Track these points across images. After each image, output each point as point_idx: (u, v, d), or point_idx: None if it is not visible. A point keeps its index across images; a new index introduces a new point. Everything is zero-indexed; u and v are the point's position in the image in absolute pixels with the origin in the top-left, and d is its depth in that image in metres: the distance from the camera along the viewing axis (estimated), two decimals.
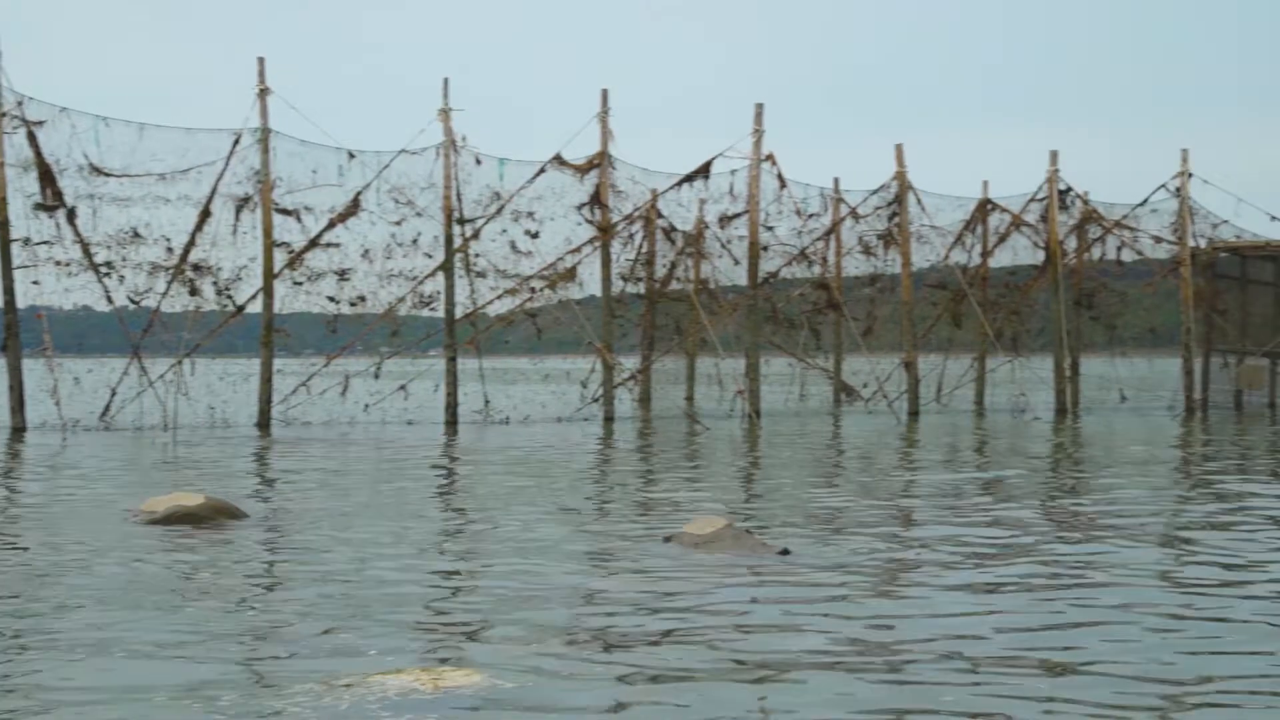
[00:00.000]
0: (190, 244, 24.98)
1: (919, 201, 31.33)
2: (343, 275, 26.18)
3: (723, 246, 29.49)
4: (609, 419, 27.38)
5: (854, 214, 31.37)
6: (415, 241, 26.65)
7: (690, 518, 11.39)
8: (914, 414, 29.76)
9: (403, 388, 26.98)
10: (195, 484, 14.63)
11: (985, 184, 32.66)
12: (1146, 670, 6.67)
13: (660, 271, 29.94)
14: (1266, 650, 7.16)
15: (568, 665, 6.71)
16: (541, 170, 27.23)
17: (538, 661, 6.74)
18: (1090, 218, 32.97)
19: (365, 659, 6.76)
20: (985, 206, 32.66)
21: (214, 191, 24.93)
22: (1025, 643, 7.28)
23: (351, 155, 25.82)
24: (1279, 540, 10.95)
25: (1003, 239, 32.90)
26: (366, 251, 26.35)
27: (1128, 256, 33.31)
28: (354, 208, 25.90)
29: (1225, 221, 33.61)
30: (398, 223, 26.42)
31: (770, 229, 29.27)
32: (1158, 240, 33.26)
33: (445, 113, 26.30)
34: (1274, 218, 33.28)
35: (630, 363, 30.05)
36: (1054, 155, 32.21)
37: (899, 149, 31.08)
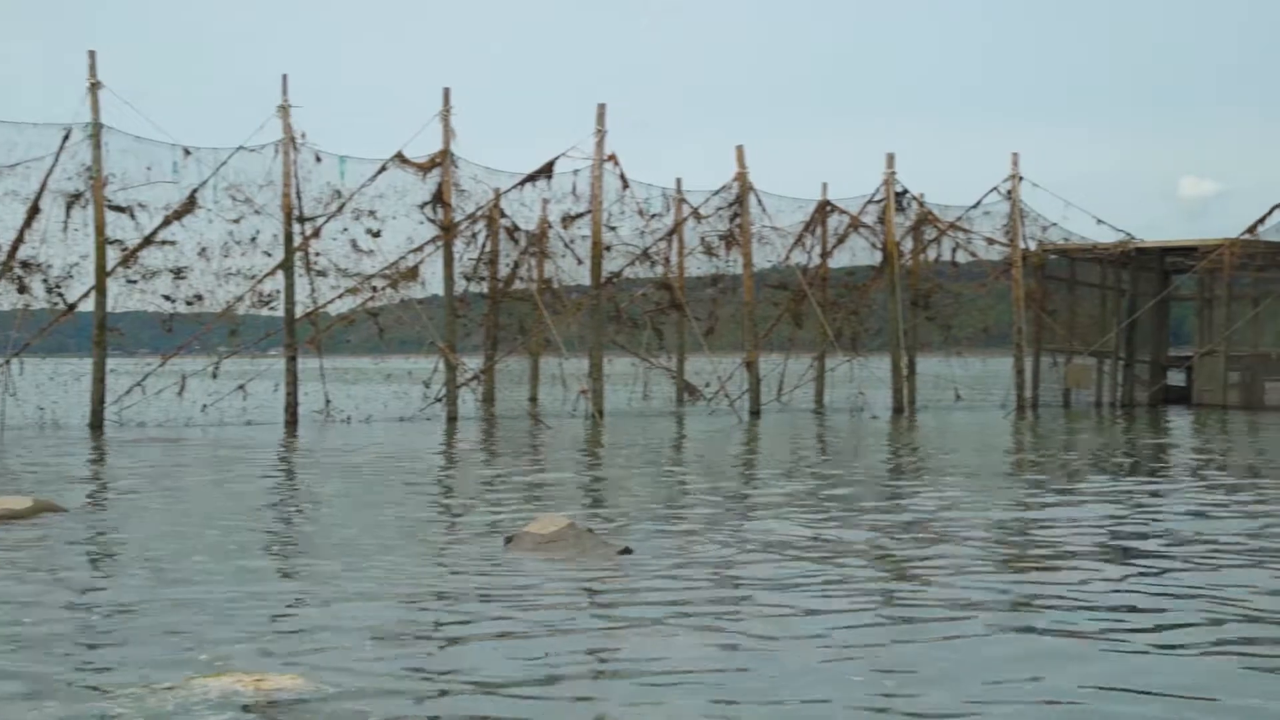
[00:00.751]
0: (18, 241, 24.34)
1: (760, 203, 31.75)
2: (179, 274, 25.72)
3: (566, 246, 29.58)
4: (452, 419, 27.28)
5: (696, 214, 31.65)
6: (254, 240, 26.30)
7: (533, 518, 11.42)
8: (755, 413, 30.15)
9: (241, 388, 26.62)
10: (21, 485, 14.26)
11: (824, 186, 33.33)
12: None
13: (504, 271, 29.95)
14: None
15: (389, 667, 6.69)
16: (383, 168, 27.06)
17: (359, 663, 6.72)
18: (926, 219, 33.74)
19: (185, 662, 6.67)
20: (824, 208, 33.24)
21: (43, 187, 24.34)
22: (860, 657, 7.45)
23: (187, 152, 25.40)
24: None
25: (841, 240, 33.52)
26: (204, 250, 25.94)
27: (962, 258, 34.18)
28: (190, 205, 25.46)
29: (1054, 224, 34.76)
30: (236, 220, 26.06)
31: (613, 229, 29.42)
32: (990, 242, 34.16)
33: (284, 109, 26.01)
34: (1100, 221, 34.59)
35: (474, 362, 30.02)
36: (890, 158, 32.93)
37: (740, 150, 31.43)
